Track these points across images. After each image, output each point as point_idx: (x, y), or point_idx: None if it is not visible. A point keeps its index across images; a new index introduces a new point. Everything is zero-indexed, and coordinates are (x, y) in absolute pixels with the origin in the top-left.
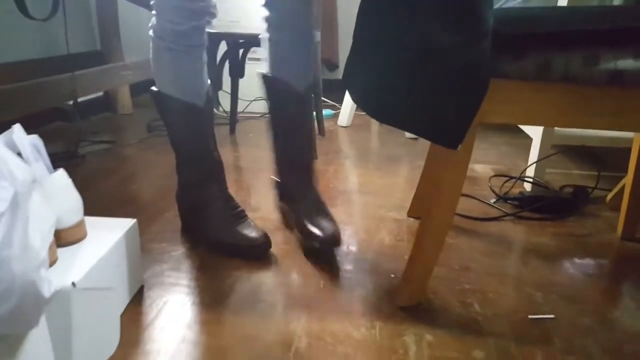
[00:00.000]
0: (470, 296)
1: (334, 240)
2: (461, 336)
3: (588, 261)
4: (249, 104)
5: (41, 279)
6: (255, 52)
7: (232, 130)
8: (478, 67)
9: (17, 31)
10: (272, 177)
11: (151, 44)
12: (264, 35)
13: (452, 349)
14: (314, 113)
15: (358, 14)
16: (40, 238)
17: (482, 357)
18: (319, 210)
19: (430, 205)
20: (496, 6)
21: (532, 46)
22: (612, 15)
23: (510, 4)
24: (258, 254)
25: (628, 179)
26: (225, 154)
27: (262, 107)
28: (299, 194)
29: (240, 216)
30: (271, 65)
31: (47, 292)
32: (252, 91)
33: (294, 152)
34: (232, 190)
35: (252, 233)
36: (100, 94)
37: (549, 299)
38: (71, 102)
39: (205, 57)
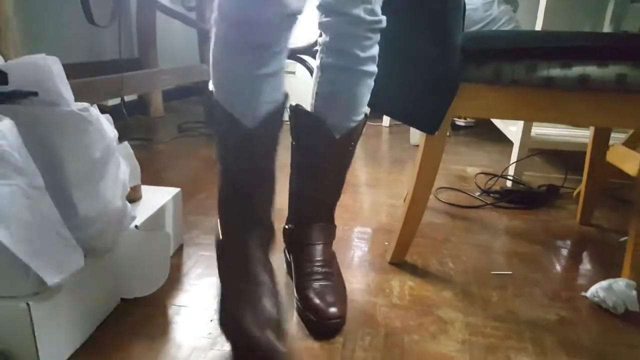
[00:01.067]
0: (447, 258)
1: (333, 326)
2: (435, 282)
3: (548, 238)
4: None
5: (125, 207)
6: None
7: None
8: (449, 74)
9: (66, 35)
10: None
11: (212, 34)
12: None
13: (427, 290)
14: None
15: None
16: (125, 178)
17: (450, 295)
18: (327, 287)
19: (413, 184)
20: (494, 28)
21: (489, 58)
22: (549, 36)
23: (502, 27)
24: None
25: (584, 176)
26: None
27: (285, 116)
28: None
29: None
30: (313, 97)
31: (128, 220)
32: None
33: (313, 205)
34: None
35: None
36: (135, 97)
37: (510, 262)
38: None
39: (280, 65)
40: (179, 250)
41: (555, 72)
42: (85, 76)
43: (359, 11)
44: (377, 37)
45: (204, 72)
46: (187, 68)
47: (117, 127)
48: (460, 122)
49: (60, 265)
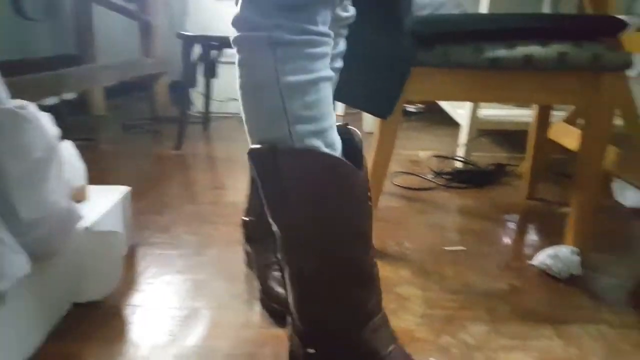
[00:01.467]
0: (403, 239)
1: None
2: (393, 262)
3: (497, 214)
4: (222, 104)
5: (71, 208)
6: (229, 55)
7: (206, 128)
8: (401, 58)
9: None
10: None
11: (236, 48)
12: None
13: (385, 270)
14: None
15: None
16: (69, 178)
17: (407, 273)
18: None
19: (369, 169)
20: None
21: (438, 42)
22: (494, 19)
23: (448, 11)
24: None
25: (528, 154)
26: (200, 148)
27: (235, 108)
28: None
29: None
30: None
31: (75, 221)
32: (224, 92)
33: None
34: (207, 177)
35: None
36: (75, 96)
37: (463, 238)
38: (45, 102)
39: (333, 64)
40: (132, 251)
41: (501, 52)
42: (18, 74)
43: (338, 9)
44: (346, 32)
45: (147, 66)
46: (129, 63)
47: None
48: (411, 108)
49: (2, 272)
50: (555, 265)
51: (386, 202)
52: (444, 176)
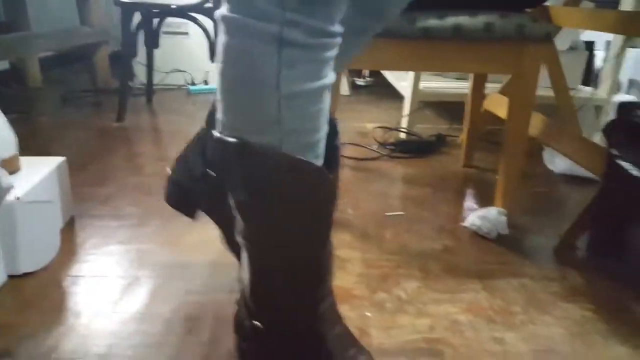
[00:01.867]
0: (347, 206)
1: None
2: (336, 228)
3: (437, 181)
4: (166, 76)
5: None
6: (171, 26)
7: (149, 100)
8: None
9: None
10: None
11: (225, 28)
12: None
13: None
14: None
15: None
16: None
17: (349, 237)
18: None
19: None
20: None
21: None
22: None
23: None
24: None
25: (465, 125)
26: (143, 120)
27: (179, 79)
28: None
29: None
30: None
31: (5, 190)
32: (169, 63)
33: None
34: (151, 150)
35: None
36: (7, 66)
37: (403, 204)
38: None
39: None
40: (71, 223)
41: (432, 22)
42: None
43: None
44: None
45: (85, 36)
46: (65, 31)
47: None
48: (360, 82)
49: None
50: (484, 226)
51: None
52: (387, 147)
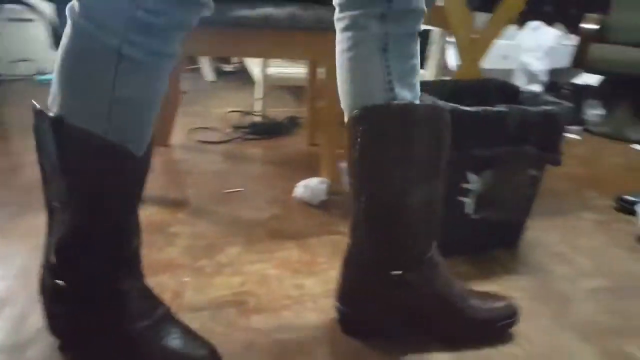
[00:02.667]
0: (187, 187)
1: None
2: (172, 207)
3: (281, 159)
4: (12, 66)
5: None
6: (15, 12)
7: None
8: None
9: None
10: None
11: (69, 29)
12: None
13: (164, 214)
14: None
15: None
16: None
17: (183, 215)
18: None
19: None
20: None
21: None
22: None
23: None
24: None
25: (307, 106)
26: None
27: (26, 69)
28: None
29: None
30: None
31: None
32: (14, 53)
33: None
34: None
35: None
36: None
37: (244, 181)
38: None
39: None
40: None
41: (244, 12)
42: None
43: None
44: None
45: None
46: None
47: None
48: (228, 68)
49: None
50: (306, 194)
51: (181, 155)
52: (241, 130)
